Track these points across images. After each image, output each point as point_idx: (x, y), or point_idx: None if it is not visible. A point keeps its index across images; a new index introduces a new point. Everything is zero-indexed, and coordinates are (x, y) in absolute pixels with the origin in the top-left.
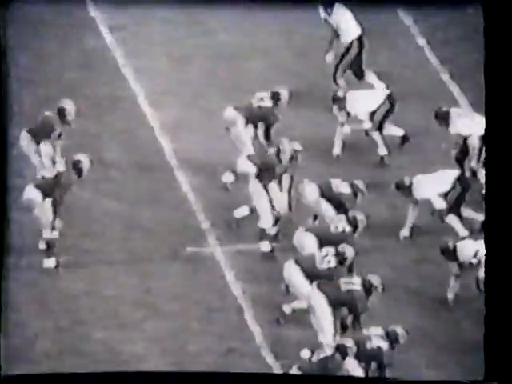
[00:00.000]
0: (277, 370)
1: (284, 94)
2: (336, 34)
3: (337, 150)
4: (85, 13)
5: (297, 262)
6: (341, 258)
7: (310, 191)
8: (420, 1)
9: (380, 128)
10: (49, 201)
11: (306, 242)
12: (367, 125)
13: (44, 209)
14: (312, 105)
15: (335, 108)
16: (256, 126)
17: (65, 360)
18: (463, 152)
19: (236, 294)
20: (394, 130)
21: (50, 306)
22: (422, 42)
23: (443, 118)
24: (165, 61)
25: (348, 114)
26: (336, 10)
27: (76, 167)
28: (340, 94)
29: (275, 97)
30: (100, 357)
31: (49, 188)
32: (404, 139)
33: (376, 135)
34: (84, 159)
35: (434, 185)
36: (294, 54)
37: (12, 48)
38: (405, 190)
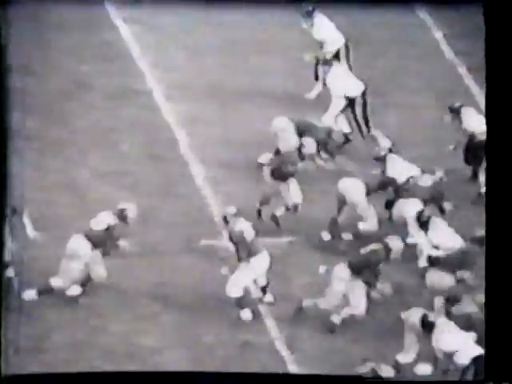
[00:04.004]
0: (291, 364)
1: None
2: (320, 44)
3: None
4: (100, 6)
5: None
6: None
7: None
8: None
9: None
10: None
11: None
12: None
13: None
14: None
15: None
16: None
17: (81, 352)
18: (473, 149)
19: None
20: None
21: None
22: (438, 35)
23: (456, 114)
24: (181, 54)
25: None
26: (317, 19)
27: (122, 216)
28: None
29: None
30: (116, 349)
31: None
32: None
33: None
34: (130, 207)
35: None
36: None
37: (22, 42)
38: None
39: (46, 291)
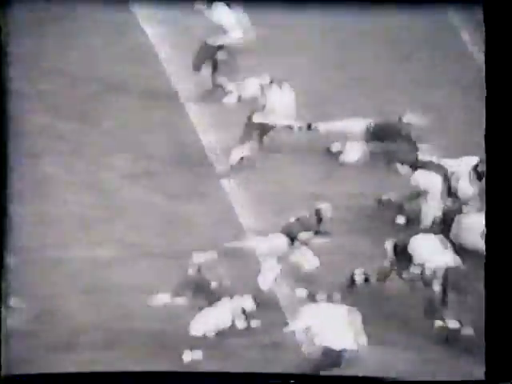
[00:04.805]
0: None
1: None
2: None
3: None
4: (126, 8)
5: None
6: None
7: None
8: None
9: None
10: None
11: None
12: None
13: None
14: None
15: None
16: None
17: (112, 351)
18: None
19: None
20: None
21: (94, 299)
22: (465, 37)
23: None
24: None
25: None
26: (216, 7)
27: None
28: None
29: None
30: (145, 349)
31: None
32: None
33: None
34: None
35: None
36: (341, 49)
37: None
38: None
39: None
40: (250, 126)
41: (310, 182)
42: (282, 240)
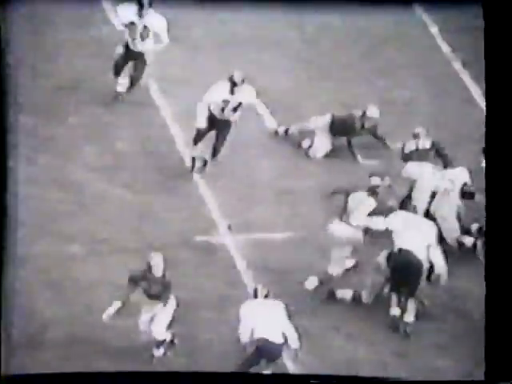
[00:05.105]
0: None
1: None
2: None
3: None
4: (98, 3)
5: None
6: None
7: None
8: None
9: None
10: None
11: None
12: None
13: None
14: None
15: None
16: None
17: (77, 347)
18: None
19: (247, 282)
20: None
21: (64, 294)
22: (433, 30)
23: None
24: (177, 49)
25: None
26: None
27: None
28: None
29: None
30: (113, 344)
31: None
32: None
33: None
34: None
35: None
36: (306, 44)
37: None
38: None
39: None
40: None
41: (278, 176)
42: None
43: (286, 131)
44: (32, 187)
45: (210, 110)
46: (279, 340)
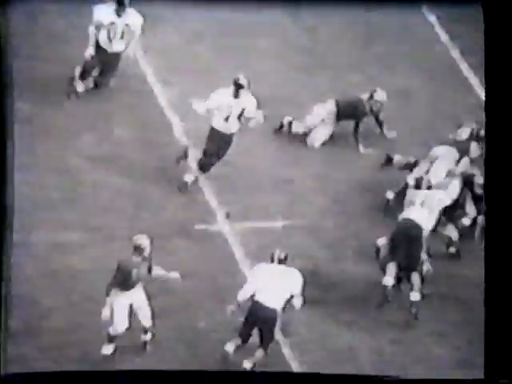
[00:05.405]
0: (284, 346)
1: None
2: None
3: None
4: None
5: None
6: None
7: None
8: None
9: None
10: None
11: None
12: None
13: None
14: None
15: None
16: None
17: (74, 335)
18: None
19: (245, 271)
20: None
21: (61, 282)
22: (431, 18)
23: None
24: (174, 37)
25: None
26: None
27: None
28: None
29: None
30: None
31: None
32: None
33: None
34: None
35: None
36: (302, 30)
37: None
38: None
39: None
40: None
41: (276, 165)
42: None
43: (290, 128)
44: (29, 174)
45: (212, 127)
46: (275, 306)
